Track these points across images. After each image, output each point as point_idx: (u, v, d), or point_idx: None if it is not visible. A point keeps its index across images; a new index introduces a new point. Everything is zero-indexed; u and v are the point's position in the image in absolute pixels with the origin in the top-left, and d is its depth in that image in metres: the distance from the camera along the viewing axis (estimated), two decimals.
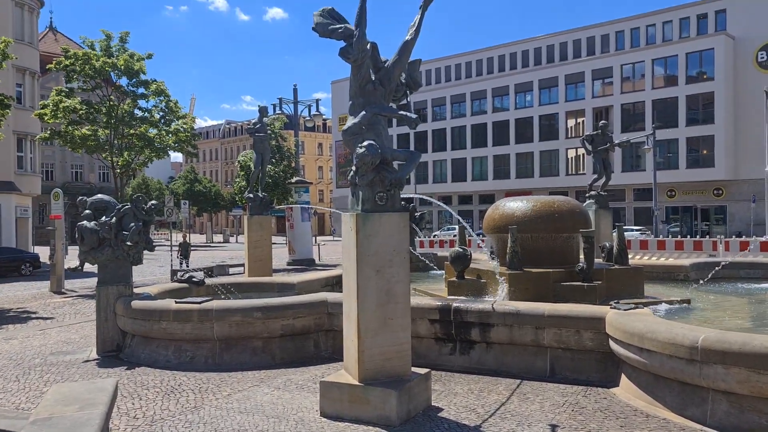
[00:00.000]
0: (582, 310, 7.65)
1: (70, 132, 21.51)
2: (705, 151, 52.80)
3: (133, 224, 9.22)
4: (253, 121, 15.47)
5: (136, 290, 9.91)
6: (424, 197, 11.73)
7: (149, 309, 8.65)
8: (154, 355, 8.66)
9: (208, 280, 11.36)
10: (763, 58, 52.05)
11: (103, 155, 22.50)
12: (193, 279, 10.88)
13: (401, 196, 6.45)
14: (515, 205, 11.31)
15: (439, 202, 11.95)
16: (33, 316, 13.97)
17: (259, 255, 14.02)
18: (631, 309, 7.43)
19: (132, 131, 22.26)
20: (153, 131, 22.62)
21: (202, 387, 7.40)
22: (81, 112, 21.41)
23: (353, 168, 6.26)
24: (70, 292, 21.04)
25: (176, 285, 10.89)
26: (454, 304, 8.23)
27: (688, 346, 5.88)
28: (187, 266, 23.26)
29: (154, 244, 9.60)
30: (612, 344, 7.14)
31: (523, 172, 63.56)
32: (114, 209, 9.31)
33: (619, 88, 57.31)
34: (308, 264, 30.49)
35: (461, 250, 11.23)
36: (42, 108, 22.33)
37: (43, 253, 41.26)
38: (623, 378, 7.11)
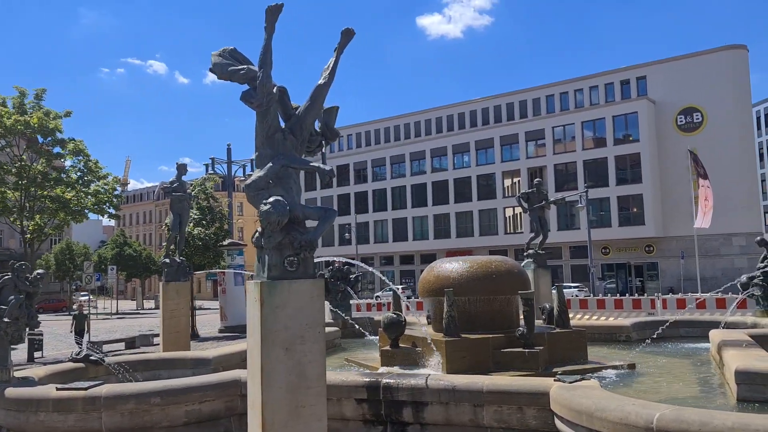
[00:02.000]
0: (523, 384, 6.86)
1: None
2: (635, 209, 54.45)
3: (12, 297, 7.98)
4: (171, 179, 14.52)
5: (19, 373, 8.54)
6: (348, 260, 10.90)
7: (24, 398, 7.34)
8: None
9: (110, 359, 10.04)
10: (682, 121, 54.82)
11: (11, 218, 20.79)
12: (90, 358, 9.56)
13: (315, 259, 5.60)
14: (451, 267, 10.61)
15: (362, 264, 11.17)
16: None
17: (175, 326, 12.71)
18: (576, 381, 6.69)
19: (45, 192, 20.72)
20: (70, 192, 21.10)
21: None
22: None
23: (258, 229, 5.41)
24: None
25: (70, 366, 9.53)
26: (384, 381, 7.30)
27: (643, 426, 5.15)
28: (82, 342, 21.62)
29: (38, 320, 8.33)
30: (558, 423, 6.34)
31: (463, 231, 63.86)
32: None
33: (552, 149, 59.00)
34: (242, 331, 28.79)
35: (394, 315, 10.38)
36: None
37: None
38: None
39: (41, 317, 39.62)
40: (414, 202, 67.48)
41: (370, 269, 10.95)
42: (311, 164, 5.52)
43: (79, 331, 21.41)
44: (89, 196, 21.87)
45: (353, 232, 65.18)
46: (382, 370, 10.01)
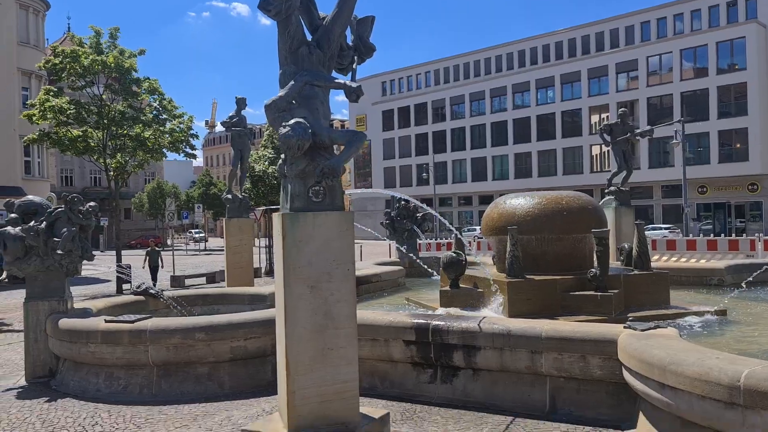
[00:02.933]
0: (588, 330, 6.13)
1: (60, 133, 20.47)
2: (738, 145, 50.28)
3: (65, 230, 7.95)
4: (230, 114, 14.23)
5: (81, 304, 8.65)
6: (407, 198, 10.28)
7: (76, 329, 7.36)
8: (84, 383, 7.36)
9: (168, 293, 10.05)
10: None
11: (95, 158, 21.43)
12: (150, 291, 9.59)
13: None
14: (517, 203, 9.80)
15: (422, 205, 10.51)
16: None
17: (239, 261, 12.69)
18: (650, 329, 5.90)
19: (125, 131, 21.14)
20: (148, 131, 21.44)
21: (118, 428, 6.06)
22: (69, 112, 20.31)
23: (282, 156, 4.89)
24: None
25: (130, 298, 9.61)
26: (433, 323, 6.77)
27: (727, 384, 4.36)
28: (154, 280, 21.33)
29: (93, 252, 8.31)
30: (626, 375, 5.62)
31: (545, 170, 61.51)
32: (45, 213, 8.05)
33: (645, 81, 55.02)
34: None
35: (454, 254, 9.76)
36: (31, 108, 21.30)
37: None
38: (641, 418, 5.58)
39: (136, 252, 41.60)
40: (494, 140, 65.40)
41: (429, 209, 10.22)
42: (337, 80, 4.87)
43: (153, 267, 21.91)
44: (166, 135, 22.12)
45: (431, 172, 64.23)
46: (440, 311, 9.50)
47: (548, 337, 6.16)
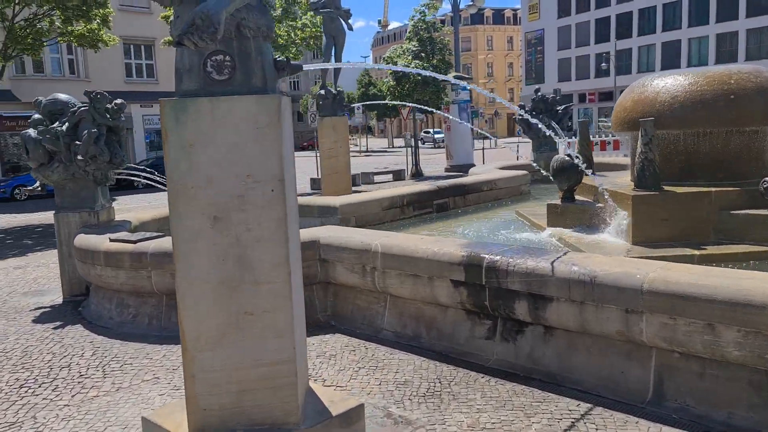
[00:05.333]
0: (721, 284, 3.76)
1: None
2: None
3: (86, 131, 6.95)
4: None
5: (124, 217, 7.83)
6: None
7: (83, 248, 6.44)
8: (100, 309, 6.52)
9: None
10: None
11: None
12: None
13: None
14: (662, 84, 7.06)
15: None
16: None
17: (334, 166, 11.23)
18: None
19: None
20: (282, 28, 20.44)
21: (97, 370, 5.05)
22: None
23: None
24: None
25: None
26: (488, 257, 4.76)
27: None
28: None
29: (123, 157, 7.27)
30: None
31: (755, 53, 51.82)
32: (69, 112, 7.11)
33: None
34: (467, 171, 27.16)
35: (566, 157, 7.37)
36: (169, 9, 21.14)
37: None
38: None
39: (306, 154, 42.16)
40: (691, 19, 56.09)
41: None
42: None
43: None
44: (297, 31, 20.97)
45: (612, 61, 57.24)
46: (547, 232, 7.32)
47: (653, 291, 3.91)
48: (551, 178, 7.67)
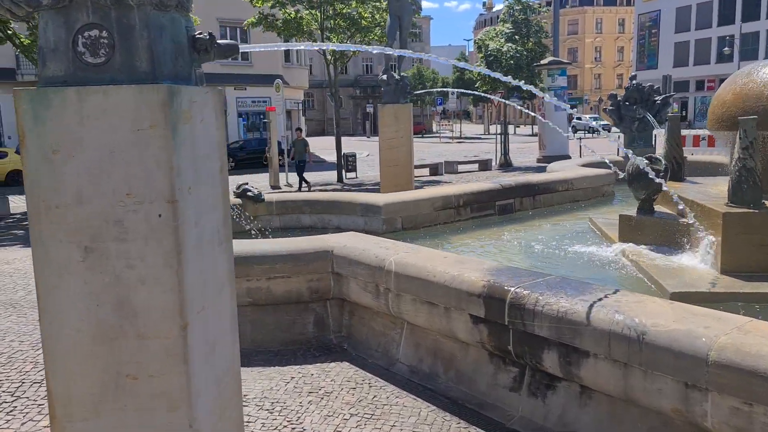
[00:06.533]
0: None
1: (273, 16, 19.87)
2: None
3: None
4: None
5: None
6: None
7: None
8: None
9: (271, 196, 8.31)
10: None
11: (312, 41, 20.55)
12: (249, 193, 7.97)
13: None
14: None
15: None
16: None
17: (394, 158, 10.30)
18: None
19: (342, 9, 19.67)
20: (366, 9, 19.70)
21: None
22: None
23: None
24: (286, 188, 20.28)
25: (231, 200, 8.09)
26: (513, 290, 3.77)
27: None
28: (302, 177, 18.00)
29: None
30: None
31: None
32: None
33: None
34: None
35: (647, 161, 6.10)
36: None
37: (311, 144, 43.12)
38: None
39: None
40: None
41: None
42: None
43: (300, 161, 18.35)
44: (383, 13, 20.12)
45: (736, 45, 52.21)
46: (616, 247, 6.16)
47: (723, 364, 2.81)
48: (628, 185, 6.44)
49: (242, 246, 5.23)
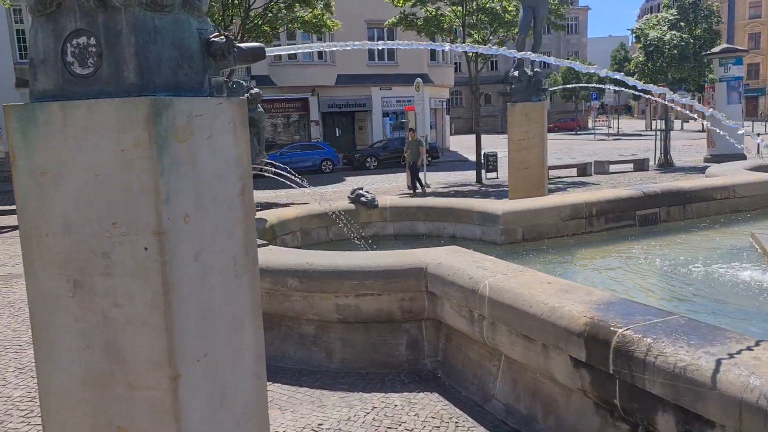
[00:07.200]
0: None
1: (414, 15, 19.63)
2: None
3: None
4: None
5: (261, 214, 7.40)
6: None
7: None
8: None
9: (385, 200, 7.96)
10: None
11: (450, 39, 20.06)
12: (362, 198, 7.73)
13: None
14: None
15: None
16: None
17: (524, 160, 9.41)
18: None
19: (487, 3, 18.97)
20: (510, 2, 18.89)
21: None
22: None
23: None
24: (420, 190, 20.06)
25: (340, 206, 7.93)
26: (620, 332, 3.08)
27: None
28: (416, 180, 17.05)
29: (258, 151, 6.75)
30: None
31: None
32: None
33: None
34: (733, 161, 22.86)
35: None
36: None
37: (456, 142, 42.51)
38: None
39: (555, 136, 39.88)
40: None
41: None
42: None
43: (413, 164, 17.12)
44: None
45: None
46: None
47: None
48: None
49: (331, 259, 4.94)
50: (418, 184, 17.45)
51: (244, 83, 6.74)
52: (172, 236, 1.94)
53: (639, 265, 6.21)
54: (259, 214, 7.30)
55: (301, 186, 6.92)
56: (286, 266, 4.93)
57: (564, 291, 3.78)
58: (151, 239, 1.91)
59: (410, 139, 17.88)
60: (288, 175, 6.95)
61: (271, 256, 5.17)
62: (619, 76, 4.06)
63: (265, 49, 2.30)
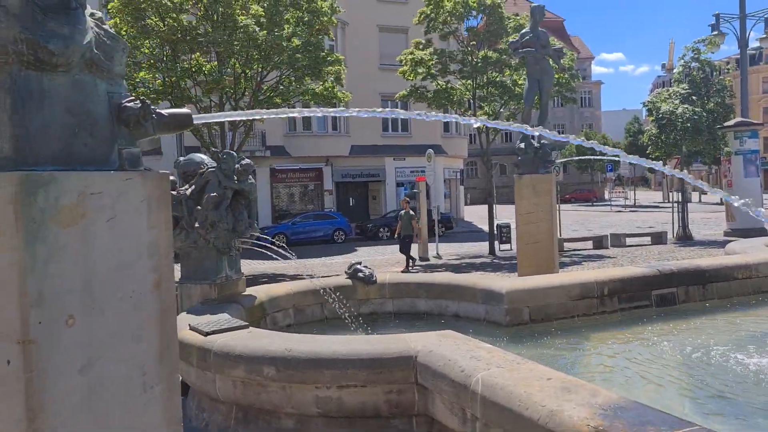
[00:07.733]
0: None
1: (424, 87, 19.78)
2: None
3: (207, 196, 6.28)
4: (523, 31, 10.28)
5: (251, 290, 6.99)
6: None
7: None
8: (187, 405, 5.59)
9: (384, 276, 7.53)
10: None
11: (462, 110, 20.10)
12: (359, 274, 7.31)
13: None
14: None
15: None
16: None
17: (532, 234, 8.99)
18: None
19: (497, 77, 19.06)
20: (517, 74, 18.97)
21: None
22: (430, 62, 19.32)
23: None
24: (434, 260, 19.66)
25: (335, 281, 7.51)
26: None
27: None
28: (406, 254, 16.40)
29: (249, 224, 6.43)
30: None
31: None
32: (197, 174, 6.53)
33: None
34: (757, 235, 22.20)
35: None
36: (402, 65, 21.09)
37: (471, 213, 42.26)
38: None
39: (569, 208, 39.69)
40: None
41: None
42: None
43: (405, 236, 16.40)
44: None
45: None
46: None
47: None
48: None
49: (313, 345, 4.49)
50: (410, 259, 16.77)
51: (234, 154, 6.48)
52: (45, 345, 1.54)
53: (656, 352, 5.65)
54: (249, 290, 6.89)
55: (286, 258, 6.54)
56: (262, 353, 4.47)
57: (565, 390, 3.28)
58: (15, 349, 1.51)
59: (403, 210, 17.24)
60: (274, 248, 6.59)
61: (249, 340, 4.72)
62: (634, 159, 3.87)
63: (193, 116, 1.96)
